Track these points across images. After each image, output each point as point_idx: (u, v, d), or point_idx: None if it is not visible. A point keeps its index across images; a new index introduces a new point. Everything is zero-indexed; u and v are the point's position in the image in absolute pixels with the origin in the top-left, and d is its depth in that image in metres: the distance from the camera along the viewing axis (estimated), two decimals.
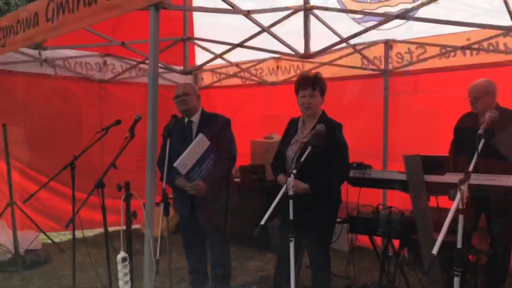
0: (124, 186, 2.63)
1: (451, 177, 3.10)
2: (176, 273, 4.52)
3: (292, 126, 3.29)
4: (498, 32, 4.02)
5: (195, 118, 3.50)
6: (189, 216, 3.48)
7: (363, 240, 4.64)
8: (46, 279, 4.40)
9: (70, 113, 5.64)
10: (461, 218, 2.06)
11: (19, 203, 4.80)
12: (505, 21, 3.28)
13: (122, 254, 2.46)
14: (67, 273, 4.46)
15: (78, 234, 4.78)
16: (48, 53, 5.32)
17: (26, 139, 5.40)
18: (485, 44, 4.35)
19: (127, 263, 2.47)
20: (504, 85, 3.84)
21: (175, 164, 3.21)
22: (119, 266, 2.45)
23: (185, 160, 3.26)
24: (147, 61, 5.28)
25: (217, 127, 3.47)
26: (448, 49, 4.59)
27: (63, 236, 5.92)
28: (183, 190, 3.38)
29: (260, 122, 6.21)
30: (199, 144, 3.31)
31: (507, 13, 3.18)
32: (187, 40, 4.90)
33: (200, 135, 3.34)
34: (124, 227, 2.75)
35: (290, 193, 2.45)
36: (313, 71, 3.25)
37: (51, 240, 5.40)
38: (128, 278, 2.48)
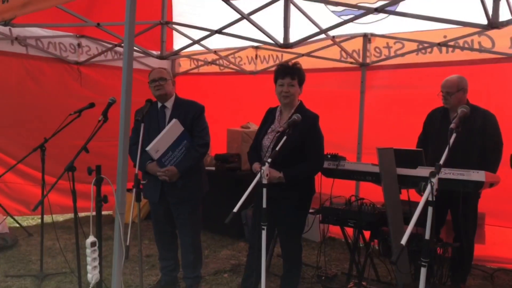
0: (95, 169, 2.56)
1: (422, 171, 3.17)
2: (147, 259, 4.49)
3: (270, 116, 3.28)
4: (474, 30, 4.10)
5: (169, 104, 3.45)
6: (159, 202, 3.43)
7: (335, 231, 4.71)
8: (13, 263, 4.28)
9: (42, 95, 5.45)
10: (430, 210, 2.09)
11: None
12: (481, 21, 3.33)
13: (91, 239, 2.41)
14: (35, 257, 4.38)
15: (48, 218, 4.69)
16: (19, 31, 5.13)
17: None
18: (460, 42, 4.44)
19: (96, 247, 2.43)
20: (476, 83, 3.93)
21: (147, 149, 3.17)
22: (88, 251, 2.40)
23: (157, 145, 3.21)
24: (123, 44, 5.15)
25: (191, 114, 3.41)
26: (425, 45, 4.66)
27: (31, 220, 5.79)
28: (154, 175, 3.34)
29: (237, 111, 6.17)
30: (173, 129, 3.27)
31: (483, 12, 3.23)
32: (165, 24, 4.82)
33: (174, 120, 3.29)
34: (94, 213, 2.69)
35: (264, 181, 2.45)
36: (292, 61, 3.23)
37: (19, 224, 5.27)
38: (96, 263, 2.44)
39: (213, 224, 5.28)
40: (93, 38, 5.65)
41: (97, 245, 2.44)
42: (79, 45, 5.70)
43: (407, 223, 3.45)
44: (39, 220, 5.29)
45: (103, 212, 2.88)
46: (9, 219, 5.22)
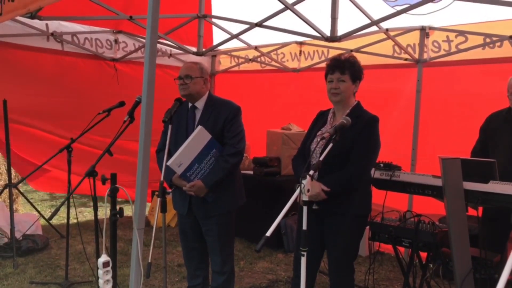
0: (110, 178, 2.25)
1: (496, 186, 2.65)
2: (178, 270, 4.22)
3: (321, 119, 2.86)
4: None
5: (200, 104, 3.02)
6: (186, 216, 3.04)
7: (384, 245, 4.23)
8: (41, 268, 4.13)
9: (76, 92, 5.27)
10: None
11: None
12: None
13: (103, 258, 2.11)
14: (64, 262, 4.18)
15: (80, 219, 4.50)
16: (56, 27, 4.98)
17: (31, 116, 5.11)
18: None
19: (109, 268, 2.12)
20: None
21: (168, 163, 2.76)
22: (100, 272, 2.10)
23: (180, 158, 2.80)
24: (160, 39, 4.90)
25: (224, 116, 2.97)
26: (494, 38, 4.07)
27: (63, 220, 5.67)
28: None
29: (278, 111, 5.79)
30: (198, 137, 2.84)
31: None
32: (202, 17, 4.51)
33: (199, 127, 2.86)
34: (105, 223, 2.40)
35: (304, 198, 2.03)
36: (346, 55, 2.80)
37: (52, 225, 5.14)
38: (110, 285, 2.13)
39: (250, 232, 4.94)
40: (130, 34, 5.43)
41: (110, 265, 2.13)
42: (116, 41, 5.50)
43: (473, 244, 2.96)
44: (75, 220, 5.17)
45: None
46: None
